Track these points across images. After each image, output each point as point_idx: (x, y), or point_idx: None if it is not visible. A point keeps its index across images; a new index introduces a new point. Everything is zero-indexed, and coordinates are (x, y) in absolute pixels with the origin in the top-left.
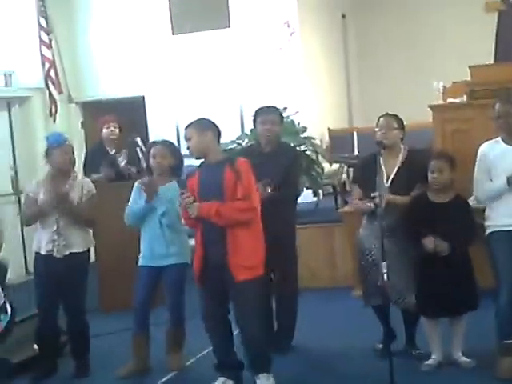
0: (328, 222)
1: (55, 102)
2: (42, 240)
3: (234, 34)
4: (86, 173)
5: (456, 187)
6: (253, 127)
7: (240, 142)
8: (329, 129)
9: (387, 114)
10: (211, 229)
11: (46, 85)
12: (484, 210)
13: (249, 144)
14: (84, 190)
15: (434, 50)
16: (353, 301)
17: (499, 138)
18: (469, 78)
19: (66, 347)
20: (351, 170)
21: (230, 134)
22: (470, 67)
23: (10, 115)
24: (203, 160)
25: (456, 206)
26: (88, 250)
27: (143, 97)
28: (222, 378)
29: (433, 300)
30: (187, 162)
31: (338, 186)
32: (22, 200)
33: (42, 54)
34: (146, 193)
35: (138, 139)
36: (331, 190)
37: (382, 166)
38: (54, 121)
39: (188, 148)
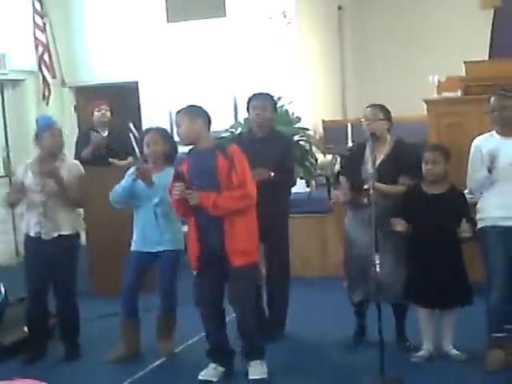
0: (320, 213)
1: (48, 86)
2: (30, 222)
3: (229, 22)
4: (77, 155)
5: (450, 180)
6: (247, 115)
7: (233, 130)
8: (323, 120)
9: (373, 104)
10: (206, 216)
11: (40, 68)
12: (476, 205)
13: (239, 132)
14: (72, 171)
15: (429, 45)
16: (344, 290)
17: (493, 132)
18: (464, 74)
19: (56, 330)
20: None
21: (223, 123)
22: (465, 63)
23: (2, 98)
24: (192, 147)
25: (451, 197)
26: (77, 233)
27: (137, 82)
28: (213, 365)
29: (426, 289)
30: (181, 149)
31: (331, 177)
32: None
33: (35, 38)
34: (143, 180)
35: (131, 125)
36: (324, 181)
37: (369, 156)
38: (47, 104)
39: (178, 135)
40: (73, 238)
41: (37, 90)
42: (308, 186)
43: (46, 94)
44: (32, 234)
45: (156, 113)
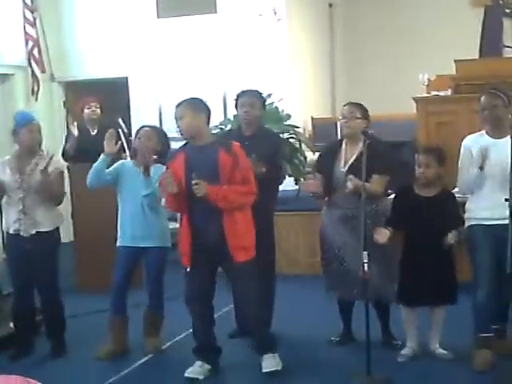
0: (309, 210)
1: (37, 81)
2: (9, 219)
3: (220, 19)
4: (65, 153)
5: (443, 183)
6: (236, 112)
7: (223, 127)
8: (312, 117)
9: (351, 102)
10: (203, 211)
11: (29, 63)
12: (465, 204)
13: (229, 129)
14: (51, 167)
15: (420, 43)
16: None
17: (483, 132)
18: (454, 72)
19: (42, 326)
20: None
21: (213, 119)
22: (455, 61)
23: None
24: (186, 142)
25: (442, 199)
26: (57, 229)
27: (126, 78)
28: (199, 362)
29: (411, 289)
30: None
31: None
32: None
33: (25, 32)
34: (144, 167)
35: (120, 120)
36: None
37: (341, 155)
38: (36, 99)
39: (178, 127)
40: (52, 235)
41: (26, 85)
42: (297, 184)
43: (35, 89)
44: (11, 231)
45: (146, 108)
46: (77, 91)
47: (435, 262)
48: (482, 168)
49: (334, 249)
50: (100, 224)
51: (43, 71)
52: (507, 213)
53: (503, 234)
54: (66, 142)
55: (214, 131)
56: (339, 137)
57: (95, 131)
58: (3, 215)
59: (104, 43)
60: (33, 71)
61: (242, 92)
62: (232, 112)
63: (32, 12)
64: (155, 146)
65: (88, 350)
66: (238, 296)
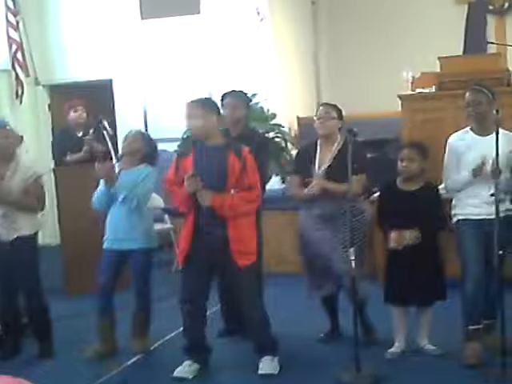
0: (295, 209)
1: (22, 85)
2: None
3: (203, 19)
4: (55, 157)
5: (426, 177)
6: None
7: None
8: (297, 117)
9: (326, 103)
10: (208, 214)
11: (13, 67)
12: (451, 200)
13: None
14: (27, 175)
15: (403, 40)
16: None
17: (468, 129)
18: (438, 69)
19: (28, 329)
20: None
21: None
22: (439, 58)
23: None
24: (195, 141)
25: (425, 194)
26: (36, 233)
27: (111, 80)
28: (188, 362)
29: (399, 288)
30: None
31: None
32: None
33: (8, 36)
34: (103, 178)
35: (105, 122)
36: None
37: (317, 156)
38: (21, 103)
39: (188, 127)
40: (31, 239)
41: (10, 89)
42: (283, 183)
43: (20, 92)
44: None
45: (130, 111)
46: (61, 94)
47: (421, 258)
48: (476, 176)
49: (314, 247)
50: (87, 227)
51: (27, 75)
52: (493, 208)
53: (490, 229)
54: (53, 145)
55: None
56: None
57: (80, 134)
58: None
59: (88, 45)
60: (17, 75)
61: (225, 93)
62: None
63: (15, 16)
64: (141, 148)
65: (76, 351)
66: (239, 298)
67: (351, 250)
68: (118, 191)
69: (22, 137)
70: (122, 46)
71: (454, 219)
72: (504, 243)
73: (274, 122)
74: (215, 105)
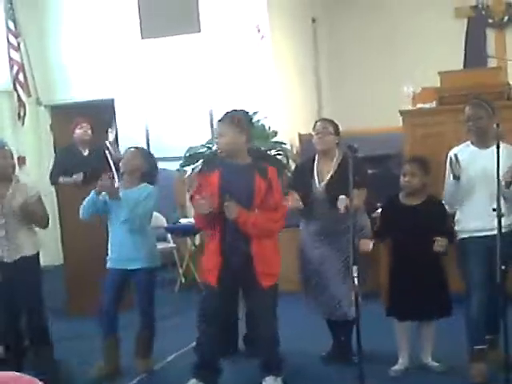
0: (296, 226)
1: (24, 106)
2: None
3: (204, 38)
4: (53, 175)
5: (429, 192)
6: None
7: (210, 146)
8: (299, 134)
9: (323, 118)
10: (234, 232)
11: (15, 88)
12: (453, 215)
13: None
14: (29, 192)
15: (403, 55)
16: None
17: (469, 142)
18: (438, 84)
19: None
20: None
21: (199, 139)
22: (439, 73)
23: None
24: (222, 158)
25: (428, 208)
26: (38, 253)
27: (113, 100)
28: (194, 380)
29: (402, 301)
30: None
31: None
32: None
33: (10, 57)
34: (107, 193)
35: (108, 142)
36: None
37: (316, 171)
38: (23, 124)
39: (217, 143)
40: (34, 259)
41: (12, 110)
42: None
43: (22, 113)
44: None
45: (132, 130)
46: (63, 114)
47: (424, 272)
48: (457, 177)
49: (313, 265)
50: (89, 247)
51: (29, 96)
52: (495, 223)
53: (493, 245)
54: (55, 164)
55: (201, 150)
56: None
57: (86, 152)
58: None
59: (89, 65)
60: (18, 96)
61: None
62: None
63: (16, 37)
64: (140, 165)
65: (79, 373)
66: (256, 317)
67: (355, 267)
68: (120, 211)
69: (24, 158)
70: (123, 66)
71: (458, 237)
72: (506, 258)
73: (275, 139)
74: (247, 122)
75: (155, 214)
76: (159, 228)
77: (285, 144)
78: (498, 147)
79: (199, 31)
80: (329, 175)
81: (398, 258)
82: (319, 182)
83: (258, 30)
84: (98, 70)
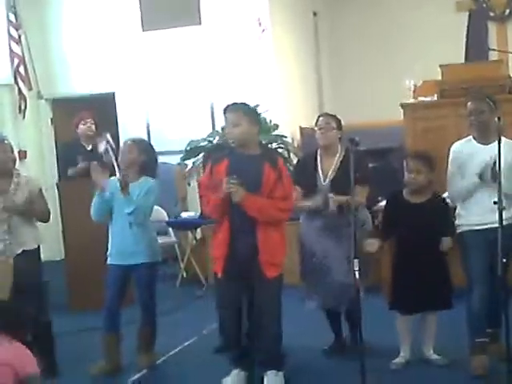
0: (298, 220)
1: (24, 99)
2: None
3: (204, 31)
4: (61, 169)
5: (434, 189)
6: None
7: (211, 139)
8: (300, 127)
9: (326, 113)
10: (241, 223)
11: (15, 81)
12: (455, 209)
13: (219, 141)
14: (30, 186)
15: (405, 49)
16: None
17: (471, 137)
18: (439, 77)
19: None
20: None
21: (200, 132)
22: (440, 66)
23: None
24: (230, 148)
25: (432, 206)
26: (39, 247)
27: (113, 93)
28: (235, 371)
29: (405, 295)
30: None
31: None
32: None
33: (11, 50)
34: (122, 189)
35: (108, 135)
36: None
37: (319, 167)
38: (24, 117)
39: (229, 133)
40: (35, 253)
41: (13, 103)
42: None
43: (22, 106)
44: None
45: (133, 123)
46: (64, 108)
47: (428, 268)
48: (482, 177)
49: (317, 258)
50: (91, 241)
51: (30, 89)
52: (497, 217)
53: (494, 237)
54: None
55: (202, 143)
56: None
57: (90, 147)
58: None
59: (90, 58)
60: (19, 89)
61: (226, 107)
62: (220, 124)
63: (17, 29)
64: (137, 158)
65: (81, 368)
66: (259, 309)
67: (355, 261)
68: (122, 206)
69: (25, 152)
70: (124, 59)
71: (458, 230)
72: (507, 251)
73: (276, 132)
74: (258, 114)
75: (156, 207)
76: (160, 222)
77: (286, 137)
78: (499, 141)
79: (200, 24)
80: (333, 171)
81: (402, 253)
82: (324, 179)
83: (259, 23)
84: (98, 63)
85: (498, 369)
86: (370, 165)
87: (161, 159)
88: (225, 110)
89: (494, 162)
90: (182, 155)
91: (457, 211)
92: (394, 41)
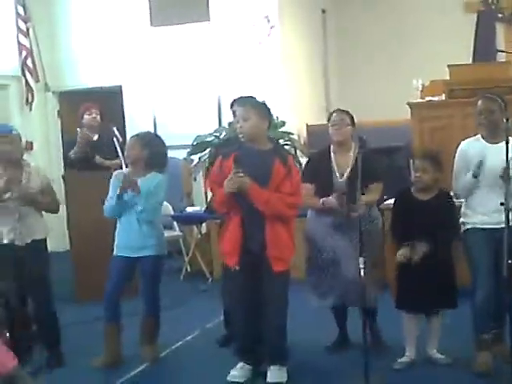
0: (304, 216)
1: (32, 91)
2: (2, 229)
3: (213, 27)
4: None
5: (440, 187)
6: (231, 119)
7: (218, 134)
8: (307, 124)
9: (339, 109)
10: (251, 217)
11: (23, 73)
12: (461, 207)
13: (226, 137)
14: (41, 177)
15: (413, 48)
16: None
17: (479, 136)
18: (447, 77)
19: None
20: None
21: (207, 127)
22: (448, 66)
23: None
24: (240, 143)
25: (439, 202)
26: (46, 238)
27: (120, 87)
28: (241, 364)
29: (410, 294)
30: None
31: None
32: None
33: (19, 43)
34: (126, 187)
35: (115, 129)
36: None
37: (334, 163)
38: (31, 109)
39: (240, 127)
40: (43, 243)
41: (20, 95)
42: None
43: (30, 99)
44: (5, 240)
45: (140, 116)
46: (71, 100)
47: (434, 266)
48: (476, 176)
49: (327, 254)
50: (96, 232)
51: (37, 81)
52: (503, 217)
53: (500, 238)
54: (64, 148)
55: (209, 138)
56: None
57: (95, 137)
58: None
59: (98, 52)
60: (27, 81)
61: (234, 101)
62: (227, 119)
63: (25, 22)
64: (140, 154)
65: (86, 359)
66: (267, 302)
67: (363, 257)
68: (132, 201)
69: (31, 143)
70: (132, 53)
71: (464, 227)
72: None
73: (283, 129)
74: (268, 109)
75: None
76: (166, 216)
77: (292, 134)
78: (507, 142)
79: (209, 20)
80: (349, 168)
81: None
82: (340, 176)
83: (268, 20)
84: (106, 56)
85: (503, 369)
86: None
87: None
88: (232, 104)
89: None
90: (188, 150)
91: (462, 210)
92: (402, 40)
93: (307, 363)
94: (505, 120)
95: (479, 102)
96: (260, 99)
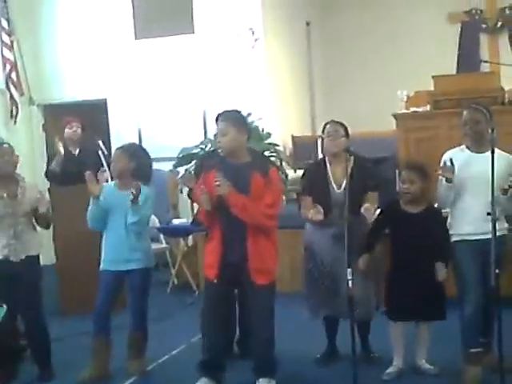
0: (291, 228)
1: (16, 105)
2: None
3: (197, 39)
4: (51, 172)
5: (429, 199)
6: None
7: (203, 147)
8: (292, 136)
9: (334, 120)
10: (232, 230)
11: (7, 87)
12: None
13: (212, 149)
14: (33, 192)
15: (397, 59)
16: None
17: (463, 146)
18: (432, 88)
19: (27, 352)
20: None
21: (192, 139)
22: (433, 77)
23: None
24: (221, 157)
25: (427, 217)
26: (39, 254)
27: (105, 100)
28: (204, 379)
29: (398, 303)
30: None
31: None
32: None
33: (3, 56)
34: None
35: (100, 142)
36: (295, 196)
37: (330, 174)
38: (15, 123)
39: (219, 142)
40: (38, 259)
41: (5, 109)
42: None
43: (14, 112)
44: (0, 257)
45: (125, 130)
46: (56, 114)
47: (422, 278)
48: (449, 181)
49: (326, 266)
50: (81, 246)
51: (22, 94)
52: (490, 227)
53: (487, 248)
54: (49, 161)
55: (194, 151)
56: (320, 154)
57: (77, 151)
58: None
59: (82, 65)
60: (11, 95)
61: (217, 116)
62: (212, 132)
63: (9, 35)
64: (126, 166)
65: (75, 373)
66: (251, 317)
67: (349, 270)
68: (117, 213)
69: (17, 156)
70: (117, 66)
71: (451, 239)
72: (498, 261)
73: (268, 141)
74: (246, 122)
75: None
76: (152, 228)
77: (278, 146)
78: (492, 152)
79: (193, 32)
80: (346, 179)
81: (397, 263)
82: (337, 187)
83: (252, 32)
84: (91, 69)
85: (491, 380)
86: None
87: (153, 165)
88: (216, 119)
89: None
90: (174, 162)
91: (448, 221)
92: (387, 51)
93: (296, 375)
94: (490, 130)
95: (464, 113)
96: (245, 111)
